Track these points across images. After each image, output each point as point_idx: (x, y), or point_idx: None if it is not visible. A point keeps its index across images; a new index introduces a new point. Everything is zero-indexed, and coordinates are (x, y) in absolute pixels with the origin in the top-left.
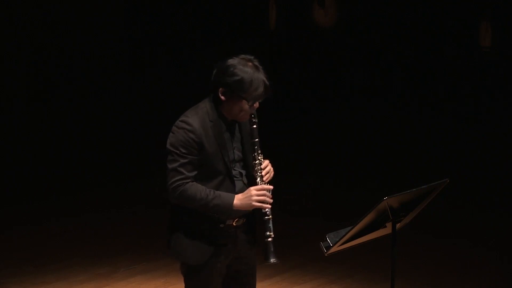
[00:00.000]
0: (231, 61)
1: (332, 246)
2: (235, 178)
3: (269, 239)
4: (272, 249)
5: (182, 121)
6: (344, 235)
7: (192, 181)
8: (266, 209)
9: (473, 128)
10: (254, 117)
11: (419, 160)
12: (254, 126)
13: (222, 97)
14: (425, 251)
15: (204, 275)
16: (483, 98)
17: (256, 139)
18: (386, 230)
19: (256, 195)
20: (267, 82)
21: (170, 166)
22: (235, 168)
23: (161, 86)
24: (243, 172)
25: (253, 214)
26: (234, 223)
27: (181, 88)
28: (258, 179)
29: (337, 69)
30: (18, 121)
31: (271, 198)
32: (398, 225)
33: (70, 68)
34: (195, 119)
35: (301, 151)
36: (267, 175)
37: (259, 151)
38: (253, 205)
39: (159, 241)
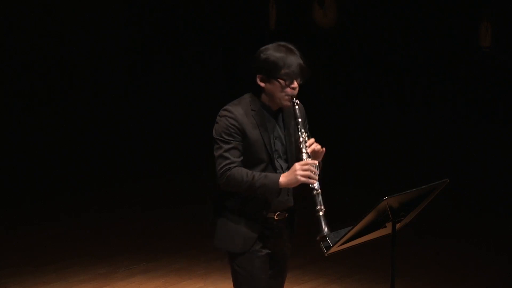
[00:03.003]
0: (262, 48)
1: (332, 246)
2: (277, 171)
3: (321, 212)
4: (324, 222)
5: (224, 109)
6: (344, 235)
7: (239, 165)
8: (314, 184)
9: (474, 127)
10: (295, 99)
11: (419, 160)
12: (296, 106)
13: (262, 84)
14: (425, 251)
15: (249, 264)
16: (483, 98)
17: (299, 119)
18: (386, 230)
19: (301, 169)
20: (301, 62)
21: (216, 153)
22: (278, 160)
23: (161, 86)
24: (285, 166)
25: (294, 211)
26: (275, 217)
27: (181, 88)
28: (304, 156)
29: (336, 69)
30: (18, 122)
31: (318, 174)
32: (398, 225)
33: (69, 68)
34: (237, 107)
35: None
36: (315, 150)
37: (303, 130)
38: (299, 180)
39: (159, 241)
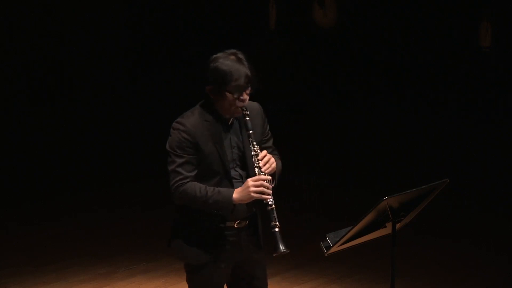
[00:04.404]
0: (212, 57)
1: (332, 246)
2: (234, 180)
3: (276, 229)
4: (280, 239)
5: (177, 122)
6: (344, 235)
7: (192, 181)
8: (268, 200)
9: (474, 127)
10: (245, 110)
11: (419, 160)
12: (247, 118)
13: (211, 95)
14: (425, 251)
15: (204, 276)
16: (483, 98)
17: (251, 131)
18: (386, 230)
19: (254, 185)
20: (248, 72)
21: (169, 167)
22: (236, 169)
23: (161, 86)
24: (243, 173)
25: (257, 216)
26: (235, 225)
27: (181, 89)
28: (256, 170)
29: (336, 69)
30: (18, 122)
31: (271, 189)
32: (398, 225)
33: (69, 69)
34: (190, 119)
35: (300, 151)
36: (267, 165)
37: (254, 143)
38: (252, 196)
39: (159, 241)
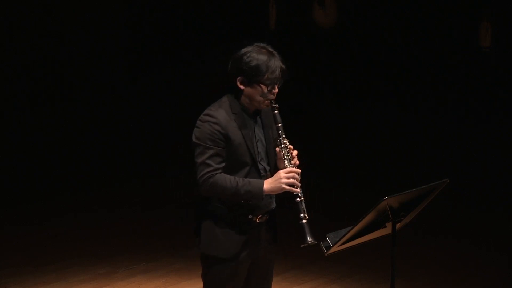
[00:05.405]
0: (245, 49)
1: (332, 246)
2: (261, 173)
3: (304, 220)
4: (308, 230)
5: (206, 114)
6: (344, 235)
7: (221, 172)
8: (298, 192)
9: (474, 127)
10: (274, 103)
11: (419, 160)
12: (276, 111)
13: (241, 86)
14: (425, 251)
15: (228, 270)
16: (483, 98)
17: (280, 124)
18: (386, 230)
19: (286, 177)
20: (283, 65)
21: (198, 160)
22: (261, 163)
23: (161, 86)
24: (268, 168)
25: (275, 212)
26: (257, 220)
27: (181, 89)
28: (286, 162)
29: (336, 69)
30: (18, 122)
31: (300, 181)
32: (398, 225)
33: (69, 69)
34: (219, 111)
35: (300, 151)
36: (296, 158)
37: (284, 135)
38: (283, 188)
39: (159, 241)
